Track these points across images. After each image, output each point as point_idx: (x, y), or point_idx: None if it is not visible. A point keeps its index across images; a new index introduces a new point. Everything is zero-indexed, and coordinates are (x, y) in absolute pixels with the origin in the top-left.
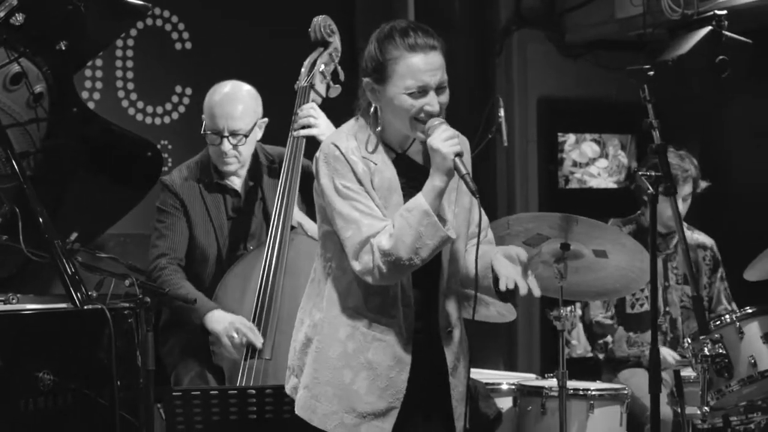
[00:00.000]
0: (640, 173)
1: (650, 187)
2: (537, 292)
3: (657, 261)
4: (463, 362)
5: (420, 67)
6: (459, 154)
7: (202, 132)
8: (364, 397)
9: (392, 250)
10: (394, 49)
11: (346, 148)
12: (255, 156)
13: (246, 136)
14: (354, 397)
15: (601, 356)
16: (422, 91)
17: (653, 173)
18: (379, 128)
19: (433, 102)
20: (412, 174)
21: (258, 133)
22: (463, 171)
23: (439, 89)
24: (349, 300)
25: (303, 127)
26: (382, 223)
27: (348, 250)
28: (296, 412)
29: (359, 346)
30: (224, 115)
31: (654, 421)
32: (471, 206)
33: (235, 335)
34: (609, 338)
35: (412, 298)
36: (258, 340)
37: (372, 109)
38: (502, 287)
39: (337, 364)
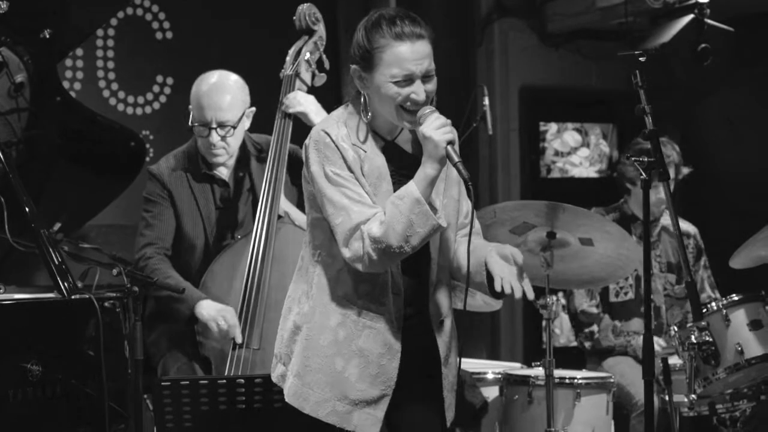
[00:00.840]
0: (633, 159)
1: (643, 173)
2: (531, 295)
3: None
4: (454, 352)
5: (406, 56)
6: (451, 142)
7: (189, 124)
8: (356, 384)
9: (383, 237)
10: (380, 37)
11: (336, 135)
12: (243, 145)
13: (234, 127)
14: (346, 384)
15: (587, 345)
16: (408, 80)
17: (646, 158)
18: (369, 116)
19: (419, 90)
20: (402, 162)
21: (246, 123)
22: (456, 159)
23: (425, 78)
24: (338, 288)
25: (292, 108)
26: (372, 210)
27: (338, 236)
28: (287, 400)
29: (350, 334)
30: (212, 107)
31: (648, 408)
32: (460, 196)
33: (222, 322)
34: (595, 327)
35: (401, 286)
36: (239, 336)
37: (361, 98)
38: (498, 288)
39: (328, 351)
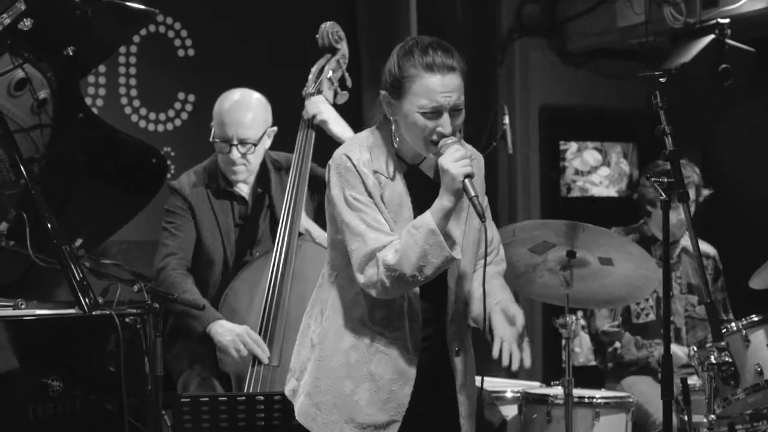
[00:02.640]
0: (653, 179)
1: (663, 194)
2: (527, 364)
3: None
4: (470, 379)
5: (435, 87)
6: (469, 176)
7: (210, 140)
8: (365, 408)
9: (397, 265)
10: (411, 66)
11: (358, 160)
12: (263, 163)
13: (255, 144)
14: (354, 407)
15: (610, 365)
16: (436, 112)
17: (666, 179)
18: (396, 144)
19: (445, 123)
20: (423, 188)
21: (267, 142)
22: (472, 193)
23: (453, 111)
24: (354, 311)
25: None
26: (388, 238)
27: (353, 261)
28: (297, 418)
29: (362, 358)
30: (234, 124)
31: (666, 428)
32: (480, 227)
33: (242, 348)
34: (617, 344)
35: (419, 312)
36: (264, 354)
37: (389, 123)
38: (495, 354)
39: (339, 374)
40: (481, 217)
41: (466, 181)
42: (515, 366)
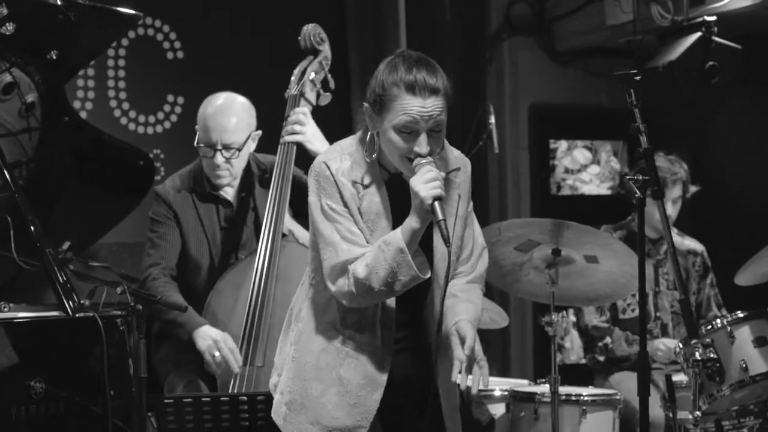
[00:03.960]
0: (627, 177)
1: (638, 191)
2: (485, 383)
3: (647, 266)
4: (448, 377)
5: (414, 109)
6: (438, 198)
7: (195, 144)
8: (332, 411)
9: (366, 279)
10: (394, 84)
11: (336, 170)
12: (247, 166)
13: (239, 149)
14: (321, 410)
15: (601, 358)
16: (412, 132)
17: (641, 177)
18: (374, 156)
19: (422, 144)
20: (404, 197)
21: (251, 146)
22: (440, 217)
23: (432, 131)
24: (327, 314)
25: (291, 134)
26: (360, 250)
27: (325, 270)
28: (271, 415)
29: (332, 361)
30: (217, 128)
31: (643, 423)
32: (463, 233)
33: (217, 354)
34: (608, 339)
35: (393, 319)
36: (235, 365)
37: (369, 135)
38: (454, 378)
39: (309, 375)
40: (446, 241)
41: (435, 204)
42: (474, 390)
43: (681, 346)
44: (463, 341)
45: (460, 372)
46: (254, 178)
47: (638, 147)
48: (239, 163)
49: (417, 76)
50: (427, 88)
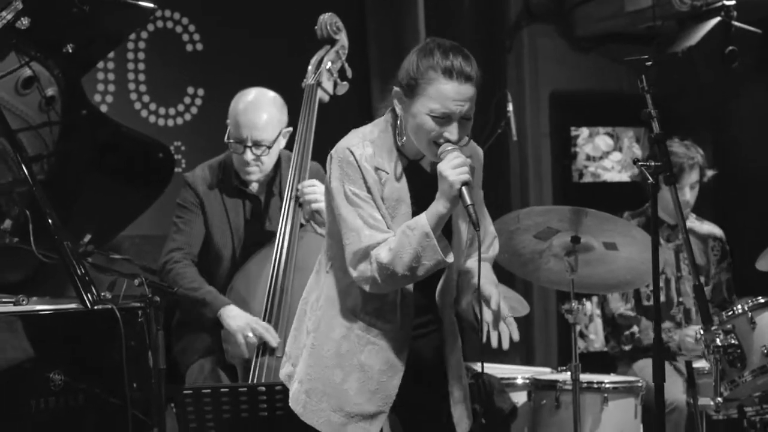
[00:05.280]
0: (640, 163)
1: (650, 177)
2: (516, 337)
3: (668, 252)
4: (459, 362)
5: (450, 94)
6: (466, 183)
7: (225, 140)
8: (353, 397)
9: (389, 264)
10: (430, 68)
11: (360, 155)
12: (277, 162)
13: (269, 147)
14: (343, 396)
15: (627, 348)
16: (445, 118)
17: (653, 163)
18: (403, 140)
19: (453, 131)
20: (423, 185)
21: (282, 142)
22: (468, 202)
23: (462, 119)
24: (347, 301)
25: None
26: (383, 235)
27: (347, 256)
28: (290, 404)
29: (353, 348)
30: (248, 125)
31: (659, 408)
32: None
33: (251, 334)
34: (635, 329)
35: (412, 305)
36: (274, 340)
37: (395, 119)
38: (484, 339)
39: (330, 363)
40: (476, 225)
41: (463, 189)
42: (505, 345)
43: (702, 332)
44: (488, 302)
45: (488, 332)
46: (283, 174)
47: (651, 133)
48: (269, 160)
49: (454, 62)
50: (463, 75)
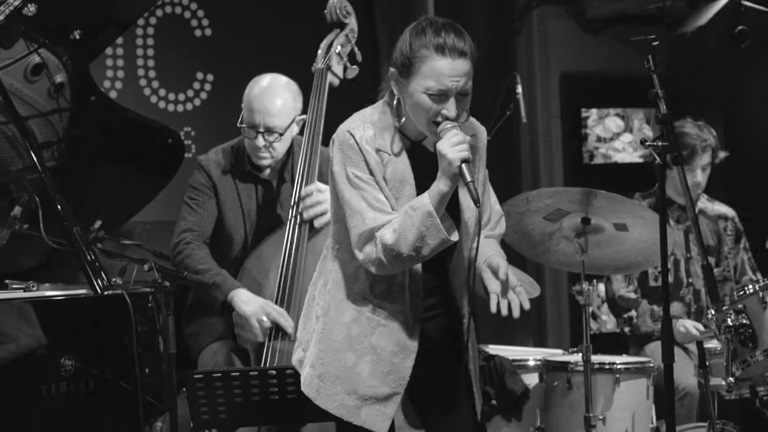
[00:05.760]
0: (647, 144)
1: (657, 158)
2: (526, 306)
3: (678, 233)
4: (474, 342)
5: (444, 71)
6: (466, 160)
7: (238, 124)
8: (367, 380)
9: (394, 245)
10: (423, 47)
11: (361, 137)
12: (290, 148)
13: (281, 134)
14: (356, 379)
15: (627, 330)
16: (442, 95)
17: (660, 143)
18: (402, 120)
19: (450, 107)
20: (426, 165)
21: (295, 129)
22: (468, 179)
23: (459, 95)
24: (355, 284)
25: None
26: (387, 217)
27: (352, 239)
28: (302, 389)
29: (363, 330)
30: (261, 111)
31: (668, 389)
32: (482, 198)
33: (265, 319)
34: (633, 313)
35: (420, 286)
36: (289, 325)
37: (395, 101)
38: (493, 309)
39: (341, 346)
40: (476, 202)
41: (463, 166)
42: (515, 313)
43: (713, 312)
44: (496, 273)
45: (498, 303)
46: (296, 160)
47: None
48: (281, 147)
49: (446, 38)
50: (456, 50)
